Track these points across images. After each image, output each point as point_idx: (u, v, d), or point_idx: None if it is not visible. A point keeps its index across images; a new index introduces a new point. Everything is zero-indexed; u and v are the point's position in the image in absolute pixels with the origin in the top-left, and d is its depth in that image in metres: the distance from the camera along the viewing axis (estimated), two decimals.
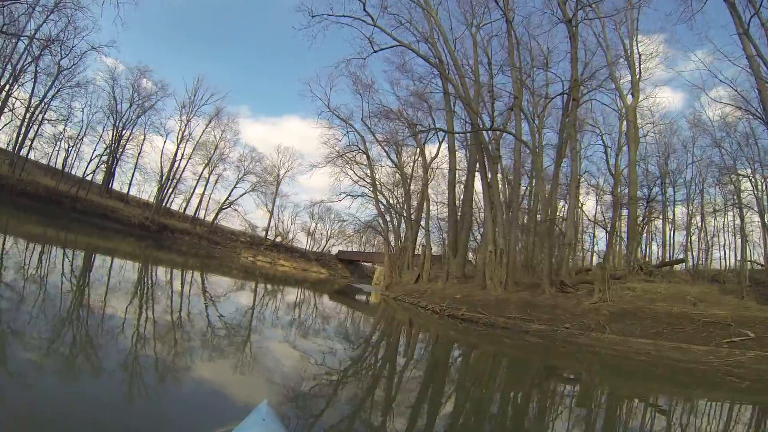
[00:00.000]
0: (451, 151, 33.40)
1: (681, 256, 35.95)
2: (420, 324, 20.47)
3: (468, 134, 29.67)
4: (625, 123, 33.49)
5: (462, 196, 34.25)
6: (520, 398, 7.96)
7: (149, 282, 15.27)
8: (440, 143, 40.54)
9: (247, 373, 6.35)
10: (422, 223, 41.65)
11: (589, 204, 41.90)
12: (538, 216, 29.76)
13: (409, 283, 35.67)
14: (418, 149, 44.63)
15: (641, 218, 31.31)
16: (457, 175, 34.65)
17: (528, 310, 20.74)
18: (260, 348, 8.35)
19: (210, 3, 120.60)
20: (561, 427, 6.27)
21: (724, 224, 38.80)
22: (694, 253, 37.69)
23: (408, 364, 9.87)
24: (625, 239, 30.72)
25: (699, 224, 38.58)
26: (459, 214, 33.79)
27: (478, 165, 28.91)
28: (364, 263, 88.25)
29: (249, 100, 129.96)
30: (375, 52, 27.02)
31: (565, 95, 24.91)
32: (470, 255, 40.08)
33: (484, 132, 26.12)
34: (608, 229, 30.30)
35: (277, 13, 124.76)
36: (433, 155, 42.13)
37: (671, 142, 38.40)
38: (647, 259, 33.93)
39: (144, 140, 63.25)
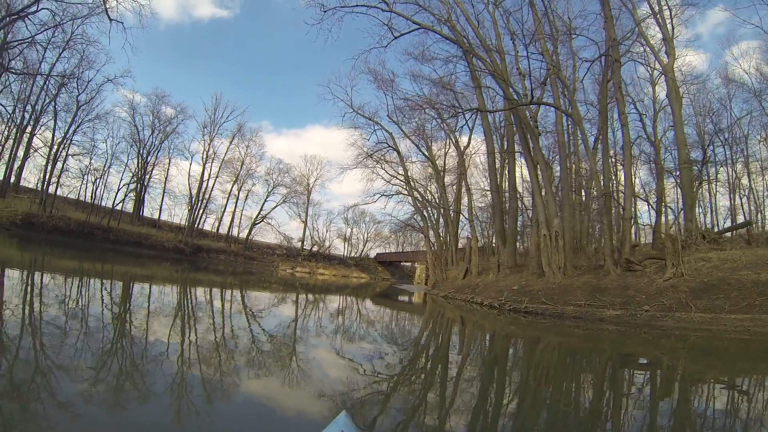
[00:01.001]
0: (488, 134, 30.91)
1: (744, 220, 33.34)
2: (479, 322, 18.35)
3: (508, 112, 27.58)
4: (656, 88, 31.75)
5: (507, 181, 32.05)
6: (598, 393, 7.15)
7: (192, 304, 14.75)
8: (471, 131, 38.60)
9: (316, 385, 5.93)
10: (465, 214, 39.53)
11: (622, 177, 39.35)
12: (592, 192, 27.80)
13: (457, 279, 33.35)
14: (449, 140, 43.21)
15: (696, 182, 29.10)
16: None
17: (597, 295, 18.63)
18: (322, 359, 7.95)
19: (216, 24, 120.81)
20: (632, 421, 5.48)
21: None
22: (745, 216, 35.40)
23: (482, 366, 9.05)
24: (680, 207, 28.65)
25: (747, 185, 36.25)
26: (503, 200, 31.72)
27: (519, 146, 26.67)
28: (404, 263, 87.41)
29: (269, 115, 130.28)
30: (396, 38, 24.88)
31: (607, 57, 22.73)
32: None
33: (522, 108, 23.91)
34: (654, 200, 28.28)
35: (285, 23, 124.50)
36: (464, 145, 40.10)
37: (707, 102, 35.97)
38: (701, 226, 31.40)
39: (170, 164, 63.55)
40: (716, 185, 36.45)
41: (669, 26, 25.95)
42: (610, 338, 14.14)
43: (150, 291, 16.66)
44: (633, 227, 36.89)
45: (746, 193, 36.47)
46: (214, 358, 6.87)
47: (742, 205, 36.60)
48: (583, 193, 31.47)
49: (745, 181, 36.60)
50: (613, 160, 33.05)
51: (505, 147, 31.61)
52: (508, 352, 11.75)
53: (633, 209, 26.39)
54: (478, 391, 6.68)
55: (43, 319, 7.89)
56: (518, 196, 31.61)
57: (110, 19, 30.44)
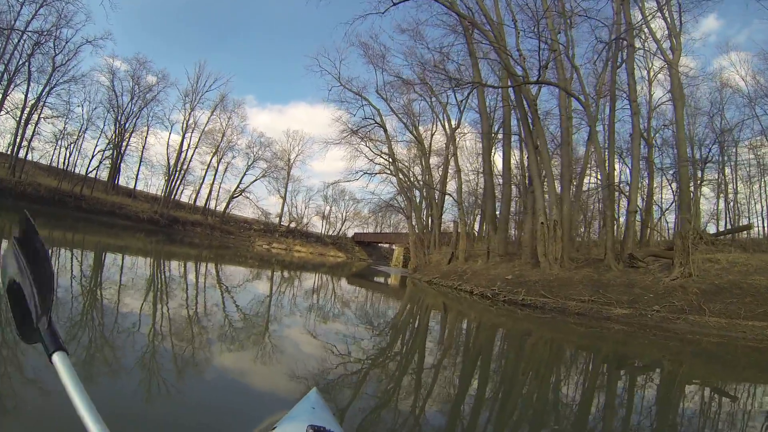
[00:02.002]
0: (483, 114, 28.98)
1: (747, 223, 32.37)
2: (470, 312, 16.74)
3: (505, 92, 25.98)
4: (653, 85, 30.59)
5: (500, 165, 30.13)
6: (581, 392, 6.68)
7: (165, 277, 14.08)
8: (461, 112, 36.65)
9: (290, 362, 5.97)
10: (454, 196, 37.75)
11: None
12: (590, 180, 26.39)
13: (441, 264, 31.48)
14: (436, 121, 41.52)
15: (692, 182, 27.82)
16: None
17: (601, 291, 17.15)
18: (295, 338, 7.83)
19: None
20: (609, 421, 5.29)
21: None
22: (731, 221, 34.86)
23: (466, 356, 8.69)
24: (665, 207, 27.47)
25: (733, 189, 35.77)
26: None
27: (520, 128, 24.95)
28: (382, 244, 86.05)
29: (254, 88, 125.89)
30: (395, 4, 22.75)
31: (616, 42, 21.15)
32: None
33: (525, 88, 22.14)
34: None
35: None
36: (454, 126, 37.97)
37: (700, 104, 34.97)
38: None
39: (148, 132, 60.67)
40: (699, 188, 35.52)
41: (677, 21, 24.46)
42: (614, 338, 12.96)
43: (122, 263, 15.81)
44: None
45: (733, 198, 35.85)
46: (186, 333, 6.75)
47: (727, 210, 35.86)
48: (574, 183, 29.99)
49: (731, 185, 35.94)
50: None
51: (498, 129, 30.01)
52: (497, 345, 11.01)
53: (638, 203, 24.84)
54: (457, 380, 6.54)
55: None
56: (511, 181, 29.76)
57: None
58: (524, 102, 22.53)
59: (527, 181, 26.13)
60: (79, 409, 0.96)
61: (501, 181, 29.61)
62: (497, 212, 28.59)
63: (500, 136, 30.06)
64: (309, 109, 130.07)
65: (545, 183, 22.42)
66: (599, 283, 17.84)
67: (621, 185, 23.63)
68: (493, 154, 31.34)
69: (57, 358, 1.04)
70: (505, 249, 26.10)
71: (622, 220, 25.65)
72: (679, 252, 17.10)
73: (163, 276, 14.27)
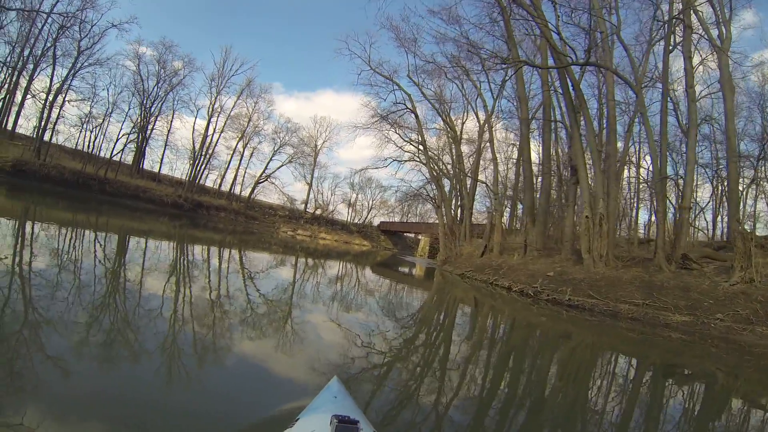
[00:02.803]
0: (523, 100, 27.26)
1: None
2: (510, 310, 15.31)
3: (547, 75, 24.42)
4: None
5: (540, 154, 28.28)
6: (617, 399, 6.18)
7: (189, 262, 13.97)
8: (495, 100, 34.72)
9: (313, 351, 5.95)
10: (489, 185, 36.03)
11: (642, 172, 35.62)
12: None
13: (473, 257, 29.96)
14: (468, 108, 39.49)
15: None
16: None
17: (655, 294, 15.55)
18: (322, 325, 7.94)
19: None
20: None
21: None
22: None
23: (498, 354, 8.35)
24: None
25: None
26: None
27: (563, 116, 23.20)
28: (407, 234, 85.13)
29: (281, 76, 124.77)
30: None
31: (669, 24, 19.43)
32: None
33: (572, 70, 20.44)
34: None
35: None
36: (489, 111, 35.84)
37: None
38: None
39: (173, 116, 59.66)
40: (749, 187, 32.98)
41: (726, 7, 22.59)
42: (667, 346, 11.62)
43: (145, 247, 15.48)
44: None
45: None
46: (208, 319, 6.69)
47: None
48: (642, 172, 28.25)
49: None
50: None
51: (532, 116, 28.33)
52: (534, 346, 10.19)
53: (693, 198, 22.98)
54: (488, 378, 6.32)
55: (33, 272, 7.44)
56: (551, 171, 27.93)
57: None
58: (569, 85, 20.79)
59: (569, 172, 24.39)
60: None
61: (538, 171, 28.07)
62: (536, 203, 26.83)
63: (532, 127, 28.62)
64: (336, 96, 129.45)
65: (591, 174, 20.72)
66: (651, 285, 16.26)
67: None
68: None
69: None
70: (543, 243, 24.49)
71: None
72: (739, 255, 15.47)
73: (186, 261, 13.97)
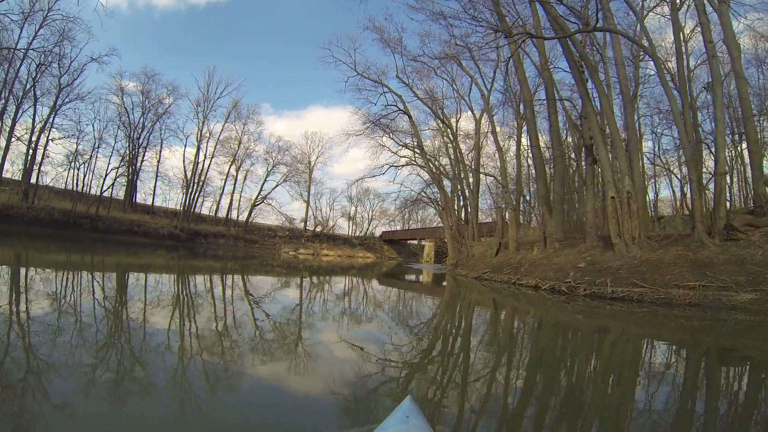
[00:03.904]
0: (524, 81, 24.93)
1: None
2: (552, 313, 12.99)
3: (546, 58, 22.44)
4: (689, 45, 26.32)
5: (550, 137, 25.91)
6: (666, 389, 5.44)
7: (198, 293, 12.89)
8: (489, 92, 32.70)
9: (389, 369, 5.66)
10: (496, 179, 34.00)
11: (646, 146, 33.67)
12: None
13: (486, 257, 27.71)
14: (461, 103, 38.31)
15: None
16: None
17: (707, 273, 13.45)
18: (390, 344, 7.32)
19: (212, 8, 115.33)
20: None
21: None
22: None
23: (565, 364, 7.06)
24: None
25: None
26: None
27: (579, 90, 20.92)
28: (410, 241, 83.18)
29: (269, 96, 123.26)
30: None
31: None
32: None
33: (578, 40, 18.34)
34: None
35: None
36: (487, 96, 33.65)
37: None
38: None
39: (161, 146, 58.25)
40: None
41: None
42: (730, 331, 10.14)
43: (145, 282, 14.37)
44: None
45: None
46: (226, 353, 5.95)
47: None
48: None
49: None
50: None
51: (531, 97, 25.89)
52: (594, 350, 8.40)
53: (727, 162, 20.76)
54: (562, 388, 5.48)
55: (31, 319, 6.67)
56: (564, 154, 25.71)
57: None
58: (575, 57, 18.71)
59: (584, 152, 22.20)
60: None
61: (549, 157, 25.99)
62: (552, 190, 24.53)
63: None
64: (326, 111, 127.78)
65: (611, 151, 18.65)
66: (699, 263, 14.16)
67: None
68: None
69: None
70: (564, 233, 22.26)
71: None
72: None
73: (189, 293, 12.78)
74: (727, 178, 21.21)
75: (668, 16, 24.13)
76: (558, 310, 13.37)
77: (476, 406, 4.50)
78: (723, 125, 17.22)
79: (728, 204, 28.33)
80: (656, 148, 35.14)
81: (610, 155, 18.81)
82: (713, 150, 20.82)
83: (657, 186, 38.18)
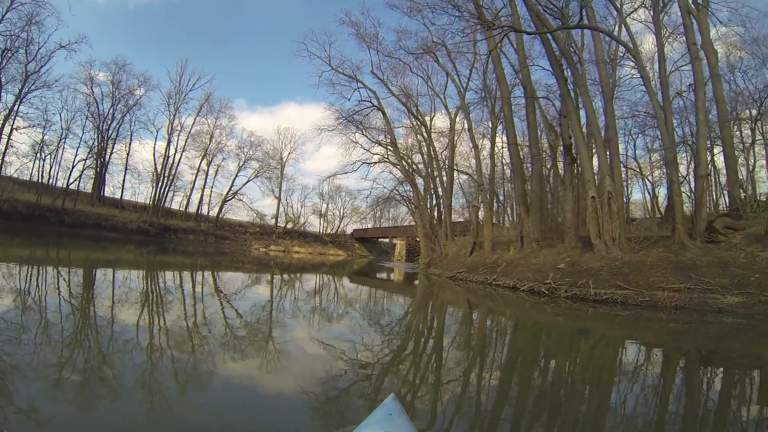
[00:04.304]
0: (502, 80, 24.48)
1: None
2: (526, 315, 12.53)
3: (525, 56, 21.96)
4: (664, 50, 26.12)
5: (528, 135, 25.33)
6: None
7: (168, 290, 12.45)
8: (467, 83, 32.12)
9: (368, 368, 5.63)
10: (471, 177, 33.50)
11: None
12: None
13: (460, 256, 27.21)
14: (437, 99, 37.31)
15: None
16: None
17: (691, 275, 13.07)
18: (373, 342, 7.37)
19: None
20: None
21: None
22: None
23: (547, 368, 6.78)
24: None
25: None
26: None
27: (559, 88, 20.36)
28: (381, 239, 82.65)
29: (243, 92, 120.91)
30: None
31: None
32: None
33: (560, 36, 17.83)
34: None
35: None
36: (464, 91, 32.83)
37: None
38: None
39: (131, 138, 56.33)
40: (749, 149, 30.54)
41: None
42: (714, 334, 10.04)
43: (113, 278, 13.62)
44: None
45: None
46: (198, 350, 5.79)
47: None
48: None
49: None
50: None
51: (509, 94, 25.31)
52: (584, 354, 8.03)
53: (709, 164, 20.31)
54: (544, 391, 5.33)
55: None
56: (542, 153, 25.16)
57: None
58: (555, 53, 18.24)
59: (562, 151, 21.71)
60: None
61: (525, 156, 25.57)
62: (528, 190, 24.00)
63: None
64: (299, 108, 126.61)
65: (593, 149, 18.25)
66: (682, 266, 13.81)
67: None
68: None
69: None
70: (541, 233, 21.80)
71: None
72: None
73: (158, 289, 12.32)
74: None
75: (644, 21, 24.21)
76: (538, 312, 12.84)
77: (457, 405, 4.48)
78: (704, 127, 16.89)
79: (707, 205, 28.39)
80: (628, 151, 35.10)
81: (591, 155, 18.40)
82: (693, 152, 20.63)
83: (629, 189, 38.20)
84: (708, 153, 28.61)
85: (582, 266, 15.93)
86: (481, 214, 28.25)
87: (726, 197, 25.44)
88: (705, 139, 17.10)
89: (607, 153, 18.11)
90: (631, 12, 21.77)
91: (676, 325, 10.52)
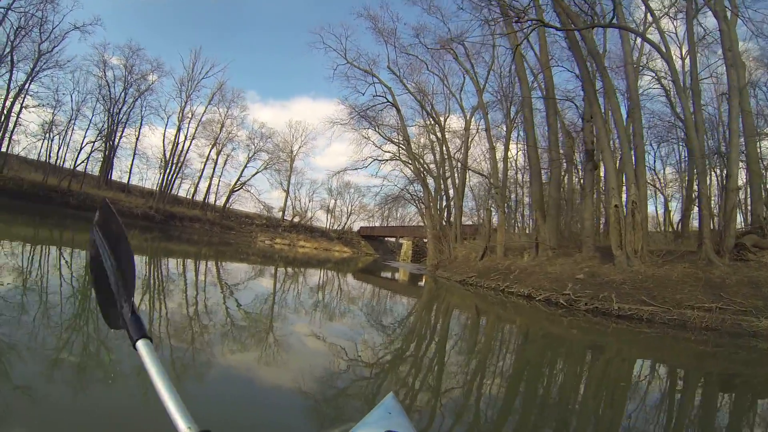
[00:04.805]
0: (523, 79, 23.59)
1: None
2: (543, 325, 11.78)
3: (547, 55, 21.10)
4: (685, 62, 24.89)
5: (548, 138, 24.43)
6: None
7: (171, 278, 12.26)
8: (485, 83, 31.15)
9: (368, 366, 5.65)
10: (486, 179, 32.46)
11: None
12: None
13: (470, 261, 26.33)
14: (452, 98, 36.69)
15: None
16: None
17: (722, 295, 12.16)
18: (374, 341, 7.40)
19: None
20: None
21: None
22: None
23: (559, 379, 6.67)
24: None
25: None
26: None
27: (584, 89, 19.38)
28: (388, 238, 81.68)
29: (256, 84, 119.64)
30: None
31: None
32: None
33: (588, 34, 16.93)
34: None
35: None
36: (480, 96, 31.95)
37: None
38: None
39: (142, 123, 54.95)
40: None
41: None
42: (744, 359, 9.21)
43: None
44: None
45: None
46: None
47: None
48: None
49: None
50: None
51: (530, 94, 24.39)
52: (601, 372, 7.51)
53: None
54: (554, 401, 5.33)
55: None
56: (560, 157, 24.14)
57: None
58: (583, 54, 17.36)
59: (584, 156, 20.73)
60: (163, 396, 0.95)
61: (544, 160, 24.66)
62: (545, 195, 23.13)
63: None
64: (312, 103, 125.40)
65: (618, 156, 17.34)
66: (711, 284, 12.90)
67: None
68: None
69: (141, 345, 1.03)
70: (557, 241, 20.87)
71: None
72: None
73: (162, 277, 11.97)
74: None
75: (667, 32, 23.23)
76: (553, 323, 12.14)
77: (456, 407, 4.47)
78: (737, 138, 15.95)
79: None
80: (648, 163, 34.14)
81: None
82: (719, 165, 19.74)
83: None
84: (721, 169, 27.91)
85: (602, 278, 15.03)
86: (494, 218, 27.38)
87: (743, 214, 24.51)
88: (738, 151, 16.12)
89: (634, 160, 17.17)
90: (662, 16, 20.82)
91: (705, 347, 9.73)
